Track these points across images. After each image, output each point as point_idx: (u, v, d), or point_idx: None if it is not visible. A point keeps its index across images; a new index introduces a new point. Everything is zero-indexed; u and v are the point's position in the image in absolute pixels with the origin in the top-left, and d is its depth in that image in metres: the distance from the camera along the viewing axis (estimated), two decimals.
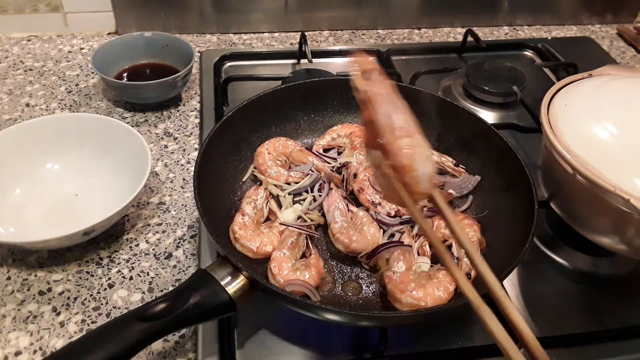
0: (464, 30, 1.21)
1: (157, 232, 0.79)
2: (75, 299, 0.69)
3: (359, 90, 0.52)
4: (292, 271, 0.66)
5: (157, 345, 0.65)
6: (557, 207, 0.75)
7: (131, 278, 0.72)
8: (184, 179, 0.87)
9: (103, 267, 0.73)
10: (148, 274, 0.73)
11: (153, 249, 0.76)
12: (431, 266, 0.69)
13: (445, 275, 0.65)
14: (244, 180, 0.80)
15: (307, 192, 0.79)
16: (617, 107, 0.68)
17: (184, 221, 0.80)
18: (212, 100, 0.99)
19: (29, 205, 0.78)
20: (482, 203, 0.79)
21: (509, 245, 0.67)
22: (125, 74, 1.03)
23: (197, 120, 0.99)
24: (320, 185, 0.79)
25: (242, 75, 1.05)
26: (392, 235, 0.73)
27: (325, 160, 0.83)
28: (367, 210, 0.76)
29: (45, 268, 0.73)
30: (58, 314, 0.68)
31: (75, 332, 0.66)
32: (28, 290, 0.70)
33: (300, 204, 0.77)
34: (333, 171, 0.81)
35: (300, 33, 1.11)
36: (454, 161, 0.83)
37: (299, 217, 0.74)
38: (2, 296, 0.69)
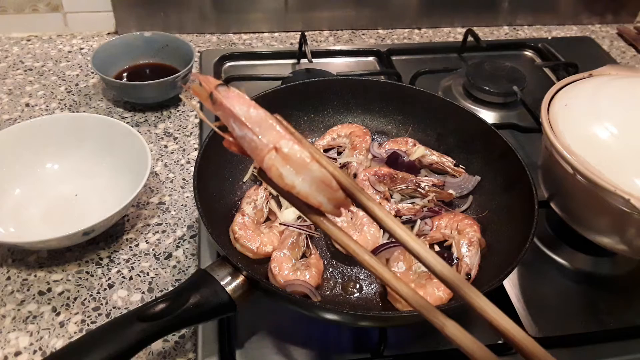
0: (464, 30, 1.21)
1: (157, 232, 0.79)
2: (75, 299, 0.69)
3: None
4: (293, 271, 0.65)
5: (157, 345, 0.65)
6: (557, 207, 0.75)
7: (131, 278, 0.72)
8: (184, 179, 0.87)
9: (103, 267, 0.73)
10: (148, 274, 0.73)
11: (153, 249, 0.76)
12: None
13: None
14: (244, 180, 0.80)
15: None
16: (617, 107, 0.68)
17: (184, 221, 0.80)
18: None
19: (28, 205, 0.78)
20: (482, 203, 0.78)
21: (509, 245, 0.67)
22: (125, 74, 1.03)
23: (197, 120, 0.99)
24: None
25: (242, 75, 1.05)
26: None
27: None
28: None
29: (45, 268, 0.73)
30: (58, 314, 0.68)
31: (75, 332, 0.66)
32: (28, 290, 0.70)
33: None
34: None
35: (300, 33, 1.11)
36: (454, 161, 0.83)
37: (299, 217, 0.74)
38: (2, 296, 0.69)
